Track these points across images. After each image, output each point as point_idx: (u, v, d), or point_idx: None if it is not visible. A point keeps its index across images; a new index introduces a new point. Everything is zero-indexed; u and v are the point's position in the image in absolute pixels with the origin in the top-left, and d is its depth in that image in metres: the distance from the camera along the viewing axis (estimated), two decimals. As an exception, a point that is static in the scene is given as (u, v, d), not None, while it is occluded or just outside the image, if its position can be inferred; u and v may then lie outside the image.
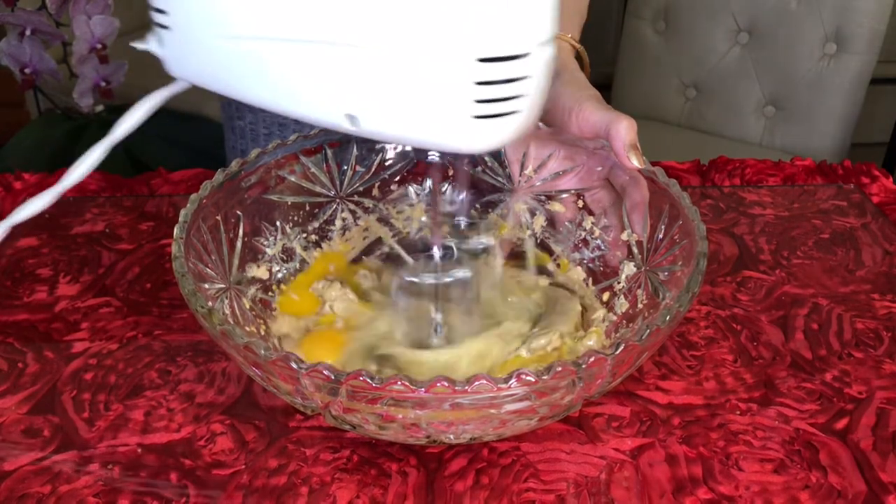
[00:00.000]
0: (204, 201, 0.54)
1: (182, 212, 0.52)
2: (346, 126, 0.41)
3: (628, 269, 0.58)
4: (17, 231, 0.74)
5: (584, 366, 0.41)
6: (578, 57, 0.65)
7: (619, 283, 0.59)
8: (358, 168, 0.64)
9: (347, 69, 0.40)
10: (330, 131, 0.62)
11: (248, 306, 0.56)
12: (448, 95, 0.39)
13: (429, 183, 0.66)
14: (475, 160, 0.66)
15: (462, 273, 0.51)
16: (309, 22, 0.40)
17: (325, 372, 0.41)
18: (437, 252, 0.50)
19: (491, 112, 0.39)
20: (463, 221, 0.53)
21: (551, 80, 0.42)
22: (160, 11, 0.44)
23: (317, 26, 0.39)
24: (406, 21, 0.38)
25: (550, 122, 0.61)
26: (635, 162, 0.54)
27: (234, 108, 0.91)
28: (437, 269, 0.50)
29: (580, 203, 0.62)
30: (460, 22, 0.37)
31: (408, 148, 0.65)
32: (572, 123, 0.57)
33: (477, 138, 0.40)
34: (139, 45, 0.47)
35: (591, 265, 0.62)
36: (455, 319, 0.54)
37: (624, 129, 0.54)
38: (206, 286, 0.52)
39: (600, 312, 0.58)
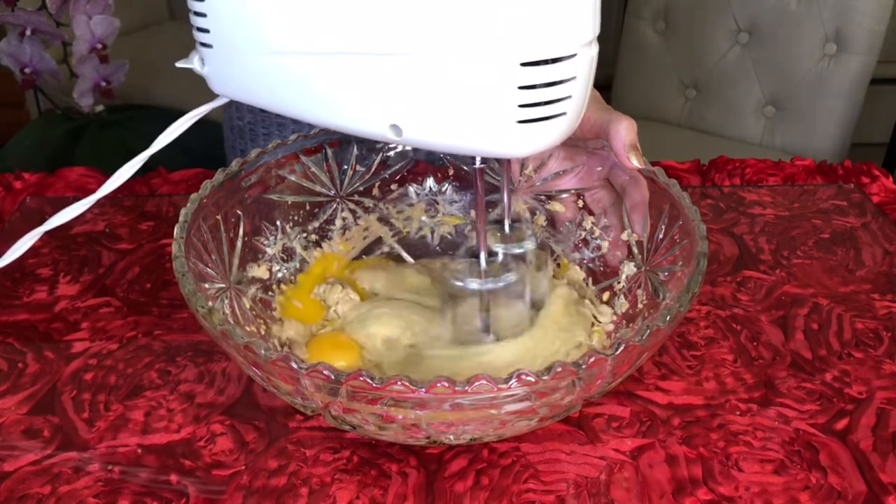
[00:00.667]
0: (204, 201, 0.54)
1: (182, 211, 0.52)
2: (390, 136, 0.41)
3: (628, 269, 0.58)
4: (17, 231, 0.74)
5: (584, 366, 0.41)
6: None
7: (619, 283, 0.59)
8: (358, 168, 0.64)
9: (389, 79, 0.39)
10: (329, 131, 0.62)
11: (248, 306, 0.56)
12: (491, 101, 0.38)
13: (439, 185, 0.66)
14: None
15: (511, 277, 0.51)
16: (348, 34, 0.39)
17: (325, 372, 0.41)
18: (483, 257, 0.50)
19: (536, 116, 0.39)
20: (507, 225, 0.53)
21: (593, 79, 0.41)
22: (202, 30, 0.44)
23: (356, 38, 0.39)
24: (447, 27, 0.37)
25: None
26: (635, 162, 0.54)
27: (234, 109, 0.91)
28: (483, 274, 0.50)
29: (580, 203, 0.62)
30: (502, 26, 0.37)
31: (408, 148, 0.65)
32: None
33: (521, 143, 0.40)
34: (182, 64, 0.47)
35: (591, 265, 0.62)
36: (503, 323, 0.54)
37: (624, 130, 0.54)
38: (206, 286, 0.52)
39: (607, 313, 0.58)
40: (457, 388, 0.40)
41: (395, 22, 0.38)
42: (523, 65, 0.37)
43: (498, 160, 0.55)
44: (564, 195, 0.63)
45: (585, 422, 0.53)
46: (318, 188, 0.63)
